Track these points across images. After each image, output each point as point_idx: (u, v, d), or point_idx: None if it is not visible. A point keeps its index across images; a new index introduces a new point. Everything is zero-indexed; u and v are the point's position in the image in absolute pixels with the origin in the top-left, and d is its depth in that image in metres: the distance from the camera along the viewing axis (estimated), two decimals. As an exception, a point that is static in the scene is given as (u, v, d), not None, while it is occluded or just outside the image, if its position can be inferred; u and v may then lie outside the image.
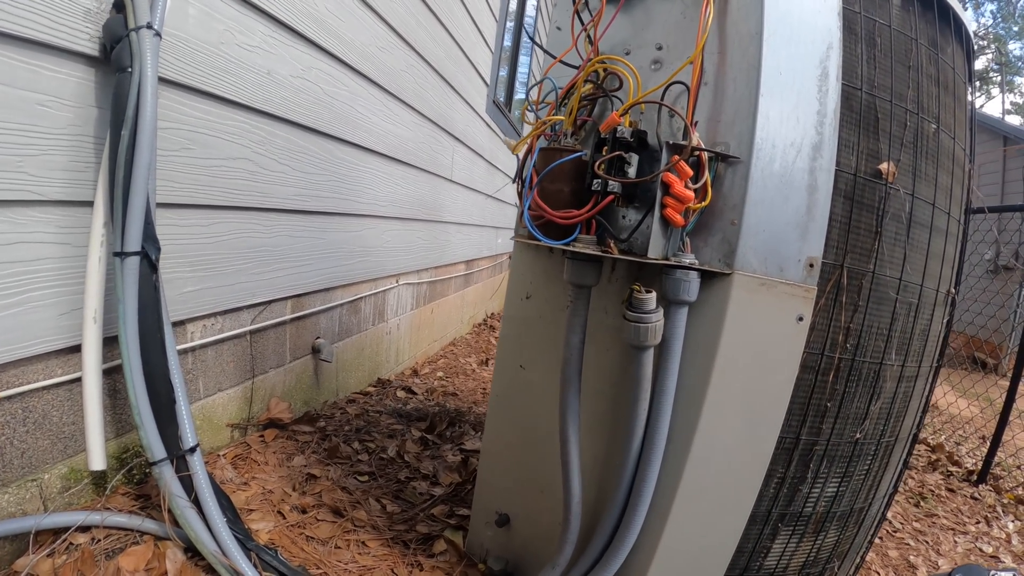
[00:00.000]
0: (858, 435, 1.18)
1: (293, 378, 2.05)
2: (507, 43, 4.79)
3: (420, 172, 2.89)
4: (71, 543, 1.18)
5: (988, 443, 3.11)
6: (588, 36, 1.09)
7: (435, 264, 3.40)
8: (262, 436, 1.85)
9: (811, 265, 1.02)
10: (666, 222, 0.95)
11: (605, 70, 1.06)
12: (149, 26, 1.16)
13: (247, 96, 1.57)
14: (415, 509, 1.68)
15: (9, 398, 1.10)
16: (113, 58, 1.15)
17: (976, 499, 2.74)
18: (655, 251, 0.95)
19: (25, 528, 1.12)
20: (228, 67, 1.49)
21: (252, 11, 1.55)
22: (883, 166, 1.12)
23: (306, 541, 1.46)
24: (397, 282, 2.85)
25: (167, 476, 1.25)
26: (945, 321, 1.35)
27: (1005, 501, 2.77)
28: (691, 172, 0.92)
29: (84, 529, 1.21)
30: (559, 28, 1.22)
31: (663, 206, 0.93)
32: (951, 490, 2.80)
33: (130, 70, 1.15)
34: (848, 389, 1.13)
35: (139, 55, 1.14)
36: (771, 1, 0.99)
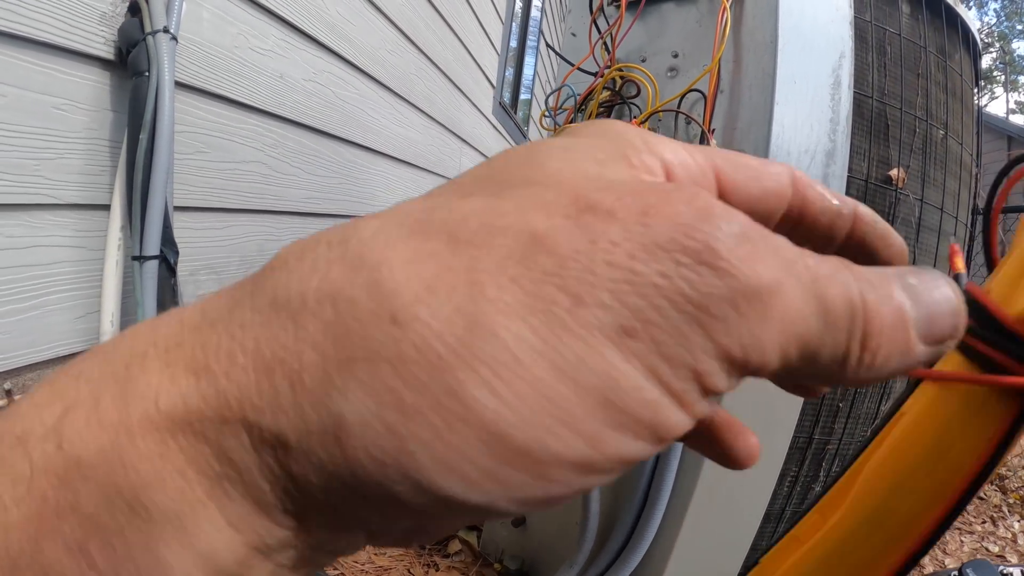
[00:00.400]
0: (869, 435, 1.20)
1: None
2: (512, 44, 4.80)
3: (428, 174, 2.90)
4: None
5: (992, 443, 3.12)
6: (605, 44, 1.10)
7: (442, 265, 3.41)
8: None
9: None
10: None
11: (622, 77, 1.07)
12: (166, 30, 1.16)
13: (260, 100, 1.58)
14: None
15: (26, 402, 1.11)
16: (130, 62, 1.15)
17: (982, 499, 2.75)
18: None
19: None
20: (242, 71, 1.50)
21: (265, 15, 1.56)
22: (893, 172, 1.14)
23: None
24: (405, 283, 2.86)
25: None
26: (953, 323, 1.37)
27: (1011, 501, 2.78)
28: (709, 179, 0.94)
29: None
30: (574, 34, 1.24)
31: (682, 213, 0.95)
32: (955, 490, 2.81)
33: (147, 74, 1.15)
34: (859, 389, 1.15)
35: (156, 58, 1.15)
36: (785, 11, 1.00)
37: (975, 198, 1.40)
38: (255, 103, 1.56)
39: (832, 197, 0.21)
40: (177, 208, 1.34)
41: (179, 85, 1.30)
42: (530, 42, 5.42)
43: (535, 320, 0.13)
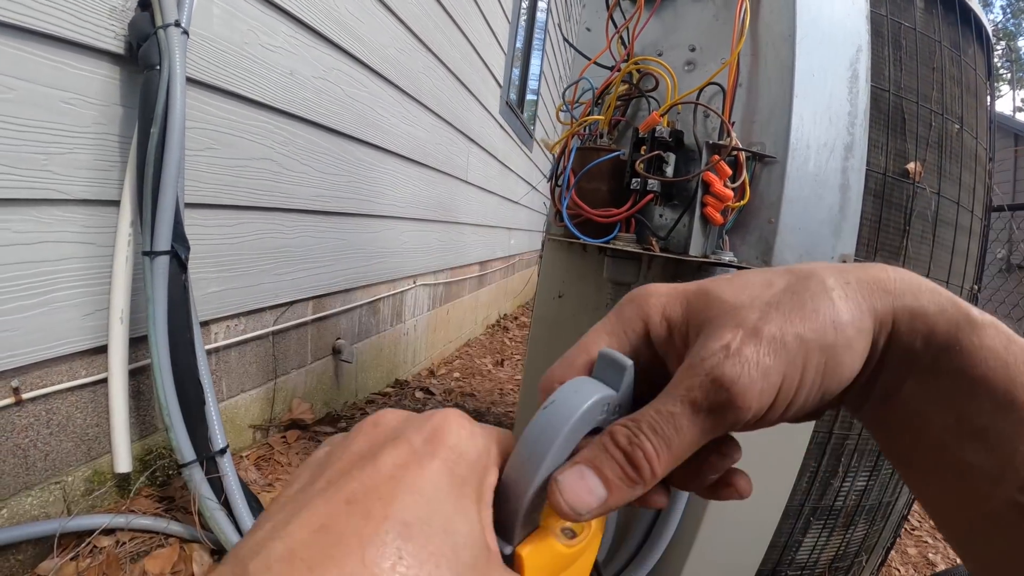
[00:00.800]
0: (887, 432, 1.19)
1: (314, 379, 2.06)
2: (519, 44, 4.80)
3: (436, 173, 2.90)
4: (95, 546, 1.18)
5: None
6: (622, 38, 1.10)
7: (451, 265, 3.41)
8: (284, 437, 1.86)
9: (844, 262, 1.03)
10: (705, 220, 0.96)
11: (640, 71, 1.07)
12: (177, 24, 1.16)
13: (270, 96, 1.58)
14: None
15: (33, 400, 1.10)
16: (140, 56, 1.15)
17: (990, 498, 2.74)
18: (695, 249, 0.96)
19: (49, 531, 1.12)
20: (252, 67, 1.50)
21: (275, 11, 1.56)
22: (910, 166, 1.13)
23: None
24: (414, 283, 2.86)
25: (197, 478, 1.24)
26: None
27: (1019, 500, 2.77)
28: (730, 171, 0.94)
29: (108, 532, 1.21)
30: (588, 29, 1.24)
31: (703, 204, 0.94)
32: (965, 489, 2.80)
33: (158, 68, 1.15)
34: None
35: (167, 52, 1.14)
36: (802, 4, 1.00)
37: (989, 193, 1.39)
38: (265, 100, 1.56)
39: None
40: (187, 204, 1.33)
41: (189, 81, 1.29)
42: (536, 42, 5.42)
43: None
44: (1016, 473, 0.25)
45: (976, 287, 1.38)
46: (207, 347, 1.51)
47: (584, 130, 1.12)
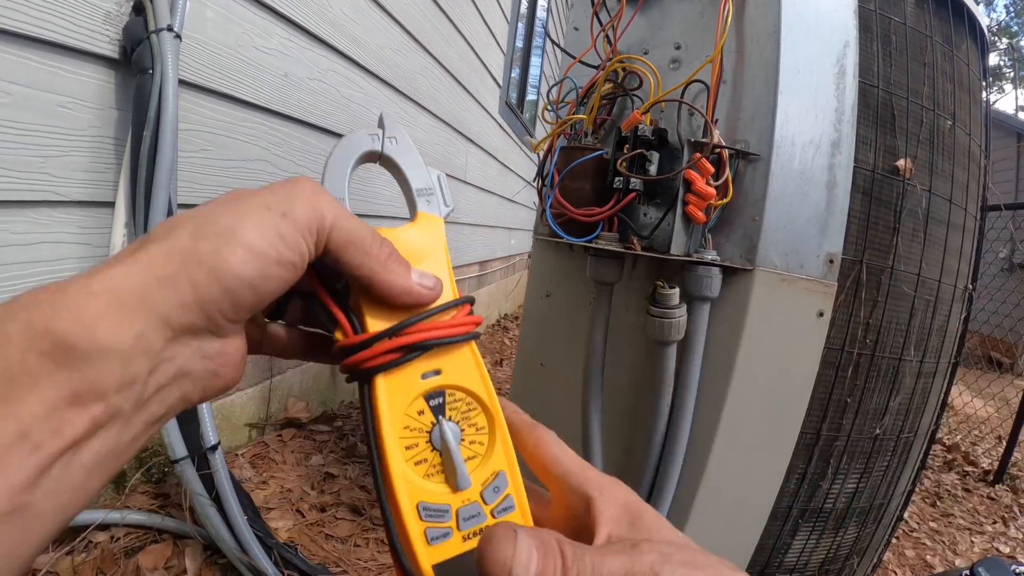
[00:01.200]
0: (877, 431, 1.18)
1: (310, 378, 2.07)
2: (518, 44, 4.80)
3: (433, 173, 2.90)
4: (90, 541, 1.19)
5: (1004, 443, 3.09)
6: (607, 36, 1.10)
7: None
8: (280, 435, 1.87)
9: (831, 261, 1.02)
10: (688, 219, 0.95)
11: (624, 69, 1.07)
12: (170, 28, 1.17)
13: (265, 98, 1.59)
14: (433, 507, 1.69)
15: (31, 397, 1.11)
16: (134, 60, 1.16)
17: (992, 499, 2.73)
18: (677, 248, 0.96)
19: (44, 527, 1.13)
20: (246, 69, 1.50)
21: (269, 14, 1.56)
22: (900, 162, 1.13)
23: (325, 539, 1.48)
24: (411, 283, 2.86)
25: (189, 474, 1.25)
26: (963, 317, 1.36)
27: (1022, 501, 2.75)
28: (712, 169, 0.93)
29: (104, 527, 1.22)
30: (576, 28, 1.24)
31: (685, 203, 0.94)
32: (967, 490, 2.79)
33: (151, 71, 1.16)
34: (868, 385, 1.14)
35: (160, 56, 1.15)
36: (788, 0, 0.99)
37: (984, 190, 1.38)
38: (260, 101, 1.57)
39: None
40: (181, 205, 1.34)
41: (183, 83, 1.30)
42: (536, 42, 5.42)
43: None
44: None
45: (971, 286, 1.37)
46: (201, 347, 1.51)
47: (569, 129, 1.12)
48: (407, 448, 0.33)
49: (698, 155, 0.92)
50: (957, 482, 2.86)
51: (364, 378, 0.33)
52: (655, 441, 1.04)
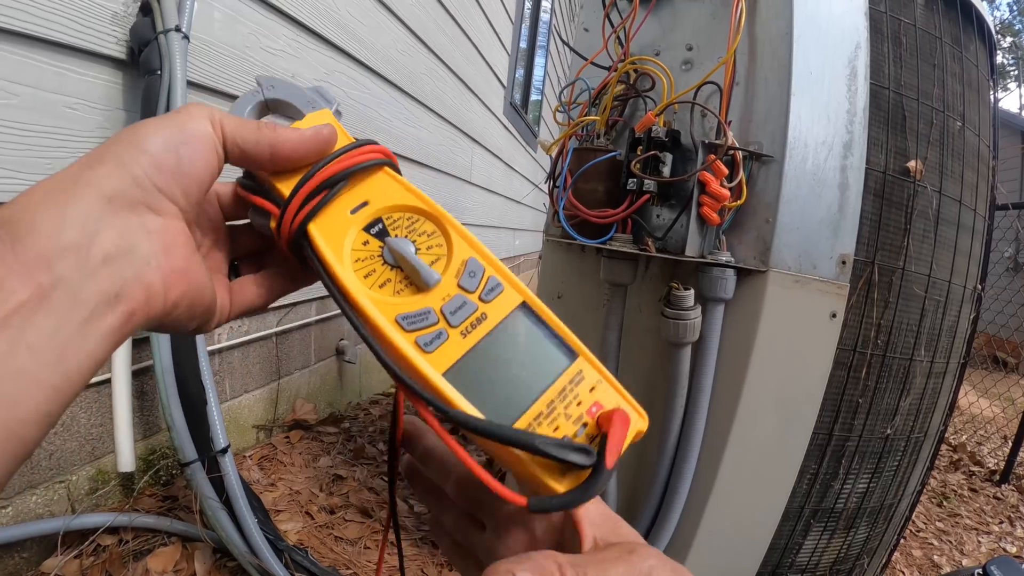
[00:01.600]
0: (888, 431, 1.18)
1: (318, 379, 2.07)
2: (523, 45, 4.80)
3: (440, 174, 2.91)
4: (99, 544, 1.19)
5: (1010, 443, 3.09)
6: (619, 38, 1.10)
7: (453, 266, 3.40)
8: (288, 437, 1.87)
9: (843, 262, 1.02)
10: (702, 220, 0.95)
11: (636, 71, 1.07)
12: (177, 28, 1.17)
13: (273, 100, 1.59)
14: (442, 508, 1.69)
15: (38, 400, 1.11)
16: (141, 61, 1.16)
17: (999, 499, 2.72)
18: (692, 249, 0.96)
19: (53, 529, 1.12)
20: (254, 70, 1.50)
21: (276, 15, 1.56)
22: (911, 164, 1.13)
23: (335, 541, 1.48)
24: (416, 284, 2.86)
25: (199, 477, 1.25)
26: (972, 318, 1.36)
27: (1028, 501, 2.75)
28: (726, 171, 0.93)
29: (112, 531, 1.22)
30: (587, 30, 1.24)
31: (699, 204, 0.94)
32: (974, 490, 2.78)
33: (159, 72, 1.15)
34: (879, 385, 1.14)
35: (168, 57, 1.15)
36: (800, 2, 0.99)
37: (993, 190, 1.38)
38: (267, 103, 1.57)
39: None
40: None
41: (191, 84, 1.30)
42: (540, 42, 5.42)
43: None
44: None
45: (980, 286, 1.37)
46: (210, 348, 1.52)
47: (581, 131, 1.12)
48: (366, 276, 0.33)
49: (712, 157, 0.92)
50: (963, 482, 2.86)
51: (301, 238, 0.33)
52: (669, 442, 1.04)
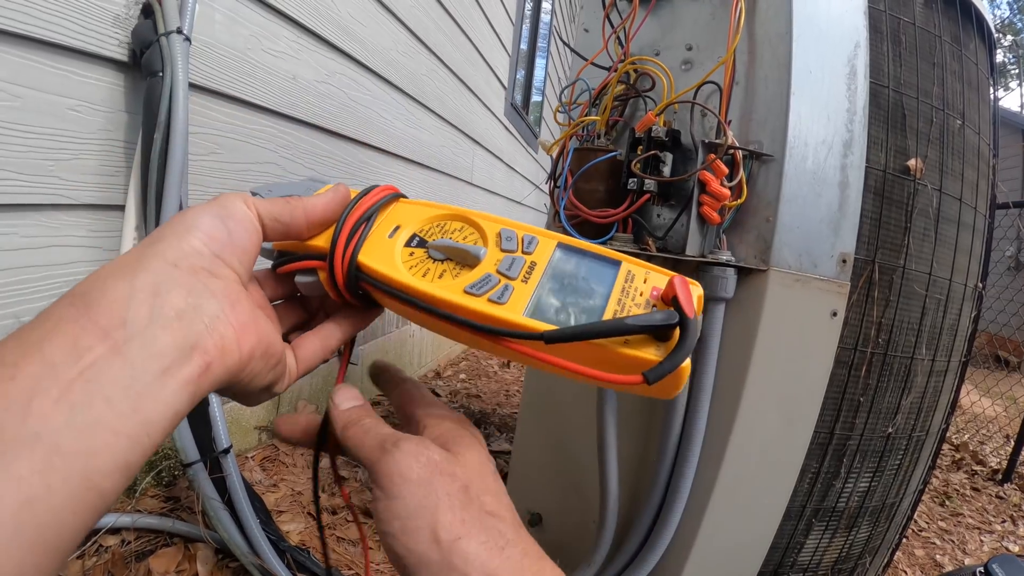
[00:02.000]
0: (890, 430, 1.18)
1: (320, 380, 2.07)
2: (523, 46, 4.80)
3: (441, 175, 2.91)
4: (101, 545, 1.19)
5: (1012, 442, 3.08)
6: (619, 38, 1.10)
7: (455, 267, 3.40)
8: (290, 438, 1.87)
9: (844, 261, 1.03)
10: (702, 220, 0.96)
11: (636, 71, 1.07)
12: (179, 31, 1.17)
13: (273, 101, 1.59)
14: (444, 509, 1.69)
15: (42, 403, 1.11)
16: (143, 63, 1.16)
17: (1001, 498, 2.72)
18: (692, 248, 0.96)
19: (55, 529, 1.13)
20: (254, 72, 1.51)
21: (277, 16, 1.57)
22: (911, 162, 1.13)
23: (337, 542, 1.48)
24: (417, 285, 2.86)
25: (201, 478, 1.25)
26: (973, 316, 1.36)
27: (1030, 500, 2.74)
28: (726, 170, 0.94)
29: (114, 531, 1.22)
30: (587, 30, 1.24)
31: (699, 204, 0.94)
32: (976, 489, 2.78)
33: (161, 74, 1.15)
34: (880, 384, 1.14)
35: (170, 59, 1.15)
36: (799, 1, 1.00)
37: (993, 188, 1.38)
38: (268, 104, 1.57)
39: None
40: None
41: (192, 86, 1.30)
42: (540, 44, 5.42)
43: None
44: None
45: (981, 285, 1.37)
46: (212, 350, 1.51)
47: (582, 131, 1.12)
48: (423, 275, 0.37)
49: (712, 156, 0.93)
50: (965, 481, 2.85)
51: (356, 271, 0.38)
52: (670, 442, 1.04)
